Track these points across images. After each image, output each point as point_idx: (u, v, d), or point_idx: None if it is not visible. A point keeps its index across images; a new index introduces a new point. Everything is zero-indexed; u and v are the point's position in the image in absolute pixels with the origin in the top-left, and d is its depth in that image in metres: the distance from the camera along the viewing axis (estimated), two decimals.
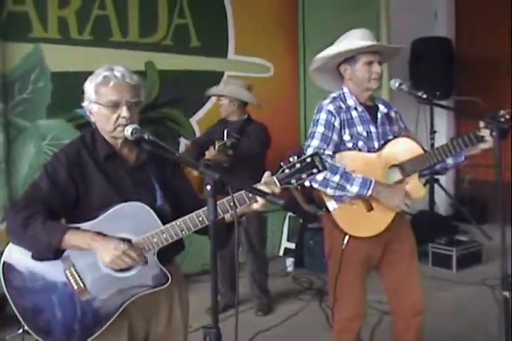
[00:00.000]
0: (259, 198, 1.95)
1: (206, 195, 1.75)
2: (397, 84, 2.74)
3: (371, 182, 2.65)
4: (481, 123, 2.68)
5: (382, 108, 2.89)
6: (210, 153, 4.12)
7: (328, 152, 2.71)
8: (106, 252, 1.93)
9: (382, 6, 6.59)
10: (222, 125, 4.40)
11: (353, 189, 2.64)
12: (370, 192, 2.64)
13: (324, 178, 2.63)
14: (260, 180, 1.97)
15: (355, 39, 2.79)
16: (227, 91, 4.33)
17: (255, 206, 2.00)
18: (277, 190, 1.96)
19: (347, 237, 2.73)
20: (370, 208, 2.73)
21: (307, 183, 1.96)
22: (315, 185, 2.67)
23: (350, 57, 2.79)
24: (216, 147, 4.08)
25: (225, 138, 4.09)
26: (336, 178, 2.63)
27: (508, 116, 2.60)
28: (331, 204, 2.73)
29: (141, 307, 2.15)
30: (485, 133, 2.66)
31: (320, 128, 2.75)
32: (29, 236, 1.92)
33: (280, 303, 4.66)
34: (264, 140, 4.28)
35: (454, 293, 4.78)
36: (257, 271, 4.47)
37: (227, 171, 3.94)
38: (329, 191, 2.67)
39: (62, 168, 2.03)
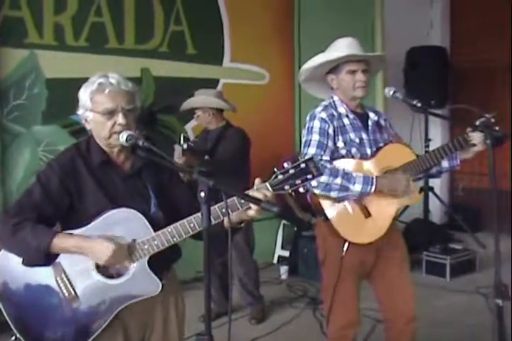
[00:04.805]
0: (252, 205, 1.92)
1: (200, 202, 1.74)
2: (391, 92, 2.75)
3: (372, 178, 2.68)
4: (468, 128, 2.74)
5: (372, 116, 2.92)
6: (178, 159, 4.03)
7: (326, 157, 2.72)
8: (99, 252, 1.93)
9: (377, 15, 6.60)
10: (204, 134, 4.45)
11: (356, 187, 2.65)
12: (374, 188, 2.66)
13: (327, 184, 2.64)
14: (242, 186, 1.95)
15: (340, 48, 2.81)
16: (197, 102, 4.35)
17: (251, 213, 1.97)
18: (269, 194, 1.90)
19: (346, 244, 2.73)
20: (368, 214, 2.74)
21: (301, 190, 1.94)
22: (317, 191, 2.68)
23: (334, 67, 2.82)
24: (177, 152, 4.04)
25: (181, 142, 4.06)
26: (338, 180, 2.64)
27: (493, 121, 2.64)
28: (330, 212, 2.74)
29: (136, 315, 2.14)
30: (473, 137, 2.72)
31: (315, 136, 2.76)
32: (18, 241, 1.92)
33: (274, 311, 4.64)
34: (239, 142, 4.26)
35: (447, 301, 4.78)
36: (246, 277, 4.43)
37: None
38: (333, 194, 2.67)
39: (56, 177, 2.02)
